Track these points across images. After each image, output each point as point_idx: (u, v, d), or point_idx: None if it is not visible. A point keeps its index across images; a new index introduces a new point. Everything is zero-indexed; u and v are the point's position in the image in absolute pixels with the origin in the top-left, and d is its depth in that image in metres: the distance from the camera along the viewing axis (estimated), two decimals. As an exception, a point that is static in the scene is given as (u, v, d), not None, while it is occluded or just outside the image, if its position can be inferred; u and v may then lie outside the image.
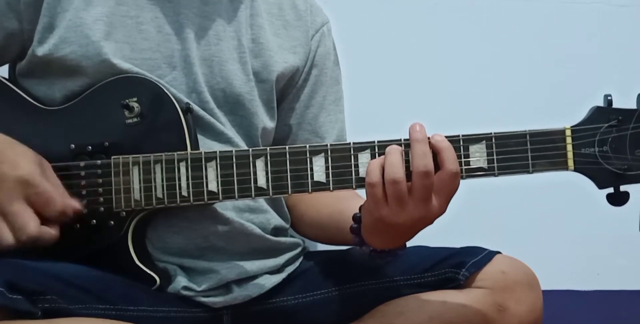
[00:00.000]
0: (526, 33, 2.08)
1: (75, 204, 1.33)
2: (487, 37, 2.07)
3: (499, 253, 1.51)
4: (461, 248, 1.52)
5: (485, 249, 1.51)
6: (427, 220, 1.26)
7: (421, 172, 1.22)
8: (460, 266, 1.48)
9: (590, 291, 2.12)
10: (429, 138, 1.25)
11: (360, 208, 1.36)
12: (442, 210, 1.26)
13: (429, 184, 1.23)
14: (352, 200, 1.46)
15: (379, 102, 2.01)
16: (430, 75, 2.05)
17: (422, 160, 1.23)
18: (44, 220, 1.29)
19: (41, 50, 1.43)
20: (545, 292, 1.49)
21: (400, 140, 1.28)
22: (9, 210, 1.26)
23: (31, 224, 1.27)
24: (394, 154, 1.25)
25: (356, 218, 1.36)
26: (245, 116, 1.52)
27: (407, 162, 1.25)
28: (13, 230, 1.27)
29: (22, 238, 1.27)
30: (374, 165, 1.25)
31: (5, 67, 1.55)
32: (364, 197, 1.29)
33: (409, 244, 1.40)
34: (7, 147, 1.31)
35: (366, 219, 1.31)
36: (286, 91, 1.61)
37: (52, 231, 1.30)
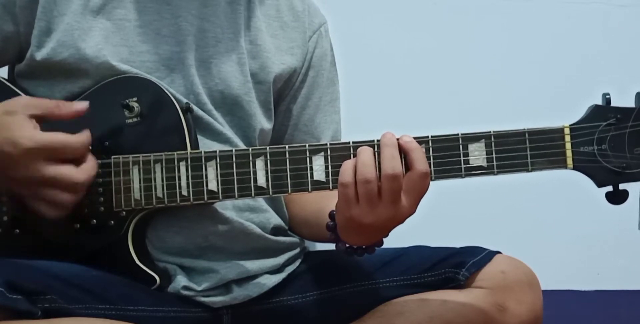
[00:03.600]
0: (526, 33, 2.08)
1: (86, 133, 1.32)
2: (487, 37, 2.08)
3: (499, 252, 1.51)
4: (461, 248, 1.52)
5: (485, 249, 1.51)
6: (397, 220, 1.26)
7: (389, 175, 1.23)
8: (460, 266, 1.48)
9: (590, 291, 2.12)
10: (397, 139, 1.26)
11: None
12: (412, 210, 1.26)
13: (397, 186, 1.23)
14: (334, 198, 1.46)
15: (378, 102, 2.01)
16: (429, 75, 2.05)
17: (390, 162, 1.23)
18: (75, 161, 1.30)
19: (40, 55, 1.43)
20: (545, 292, 1.49)
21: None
22: (45, 178, 1.27)
23: (73, 175, 1.28)
24: (366, 153, 1.25)
25: (332, 215, 1.36)
26: (243, 117, 1.52)
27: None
28: (65, 189, 1.28)
29: (78, 189, 1.29)
30: (348, 165, 1.25)
31: (5, 68, 1.56)
32: None
33: (409, 244, 1.40)
34: None
35: (338, 217, 1.31)
36: (283, 92, 1.62)
37: (90, 165, 1.32)
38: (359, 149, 1.26)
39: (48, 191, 1.29)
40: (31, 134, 1.27)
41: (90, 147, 1.38)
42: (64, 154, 1.29)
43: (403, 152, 1.25)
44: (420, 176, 1.24)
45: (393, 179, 1.23)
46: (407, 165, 1.24)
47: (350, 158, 1.29)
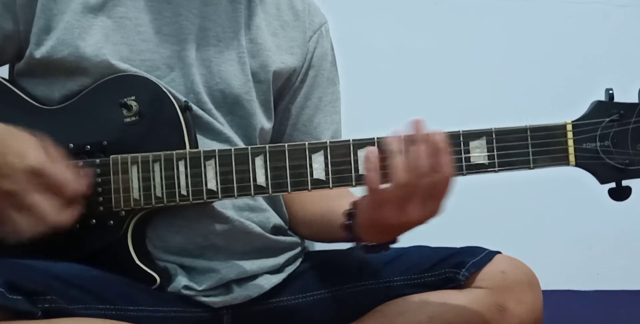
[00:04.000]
0: (526, 32, 2.09)
1: (86, 183, 1.32)
2: (487, 37, 2.08)
3: (499, 252, 1.51)
4: (461, 248, 1.52)
5: (485, 249, 1.51)
6: (423, 221, 1.26)
7: (423, 173, 1.22)
8: (460, 266, 1.48)
9: (590, 291, 2.12)
10: (427, 135, 1.25)
11: (353, 204, 1.36)
12: (439, 211, 1.26)
13: (429, 184, 1.23)
14: (343, 198, 1.45)
15: (378, 102, 2.01)
16: (430, 75, 2.06)
17: (424, 161, 1.23)
18: (62, 203, 1.29)
19: (39, 53, 1.43)
20: (545, 292, 1.49)
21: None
22: (27, 203, 1.26)
23: (51, 214, 1.27)
24: (395, 156, 1.24)
25: (348, 214, 1.36)
26: (243, 116, 1.52)
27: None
28: (34, 221, 1.27)
29: (44, 228, 1.27)
30: (374, 172, 1.24)
31: (5, 67, 1.55)
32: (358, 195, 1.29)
33: (409, 244, 1.40)
34: (9, 137, 1.29)
35: (363, 217, 1.30)
36: (283, 92, 1.61)
37: (71, 214, 1.30)
38: (388, 153, 1.25)
39: (17, 215, 1.27)
40: (42, 158, 1.27)
41: (89, 148, 1.39)
42: (57, 190, 1.28)
43: (432, 152, 1.24)
44: (448, 178, 1.24)
45: (424, 176, 1.22)
46: (434, 166, 1.24)
47: (350, 157, 1.29)
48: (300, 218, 1.59)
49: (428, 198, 1.23)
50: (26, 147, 1.27)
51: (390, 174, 1.24)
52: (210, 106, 1.48)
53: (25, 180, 1.25)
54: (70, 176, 1.29)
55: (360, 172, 1.30)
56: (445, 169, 1.23)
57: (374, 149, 1.26)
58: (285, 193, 1.37)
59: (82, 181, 1.31)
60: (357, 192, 1.33)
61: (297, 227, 1.61)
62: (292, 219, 1.61)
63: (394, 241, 1.35)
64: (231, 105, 1.51)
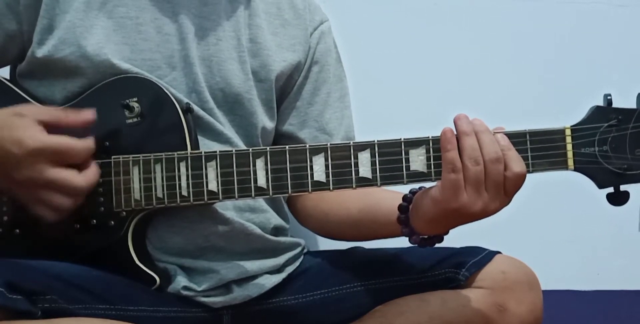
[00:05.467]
0: (526, 33, 2.08)
1: (90, 139, 1.33)
2: (487, 37, 2.07)
3: (499, 252, 1.51)
4: (461, 248, 1.52)
5: (485, 249, 1.51)
6: (495, 212, 1.27)
7: (493, 158, 1.23)
8: (460, 266, 1.48)
9: (590, 291, 2.12)
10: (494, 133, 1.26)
11: (405, 198, 1.36)
12: (508, 203, 1.27)
13: (500, 170, 1.23)
14: (379, 193, 1.46)
15: (377, 102, 2.01)
16: (429, 75, 2.05)
17: (492, 147, 1.23)
18: (77, 166, 1.31)
19: (41, 52, 1.43)
20: (545, 292, 1.48)
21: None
22: (47, 180, 1.27)
23: (74, 180, 1.29)
24: (472, 136, 1.25)
25: (403, 208, 1.36)
26: (244, 115, 1.52)
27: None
28: (64, 193, 1.29)
29: (77, 194, 1.30)
30: (455, 152, 1.25)
31: (7, 68, 1.56)
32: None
33: (409, 243, 1.40)
34: None
35: (432, 209, 1.28)
36: (286, 90, 1.61)
37: (92, 171, 1.32)
38: (459, 133, 1.25)
39: (48, 194, 1.29)
40: (37, 136, 1.27)
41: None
42: (67, 158, 1.29)
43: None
44: (518, 174, 1.25)
45: (497, 162, 1.23)
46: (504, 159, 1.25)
47: (350, 159, 1.29)
48: (336, 219, 1.56)
49: (500, 188, 1.24)
50: (20, 132, 1.27)
51: (463, 154, 1.24)
52: (212, 105, 1.48)
53: (33, 163, 1.27)
54: (71, 139, 1.30)
55: (360, 174, 1.30)
56: (513, 166, 1.24)
57: (449, 129, 1.26)
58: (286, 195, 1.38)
59: (84, 140, 1.32)
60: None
61: (330, 228, 1.59)
62: (320, 221, 1.60)
63: (446, 232, 1.36)
64: (232, 104, 1.51)
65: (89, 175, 1.31)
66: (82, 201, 1.32)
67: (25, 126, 1.28)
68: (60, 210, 1.30)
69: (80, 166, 1.31)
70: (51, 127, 1.30)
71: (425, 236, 1.36)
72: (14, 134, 1.27)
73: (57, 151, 1.28)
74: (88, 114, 1.33)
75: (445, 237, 1.37)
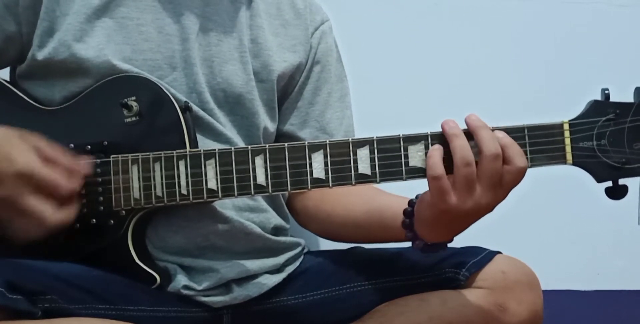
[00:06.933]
0: (526, 32, 2.09)
1: (79, 180, 1.32)
2: (487, 37, 2.08)
3: (499, 252, 1.51)
4: (461, 248, 1.52)
5: (485, 249, 1.51)
6: (490, 208, 1.26)
7: (492, 155, 1.22)
8: (460, 266, 1.48)
9: (590, 291, 2.12)
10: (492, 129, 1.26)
11: (410, 203, 1.36)
12: (504, 197, 1.26)
13: (498, 167, 1.22)
14: (384, 196, 1.47)
15: (377, 102, 2.01)
16: (429, 74, 2.05)
17: (492, 143, 1.23)
18: (57, 203, 1.29)
19: (41, 55, 1.44)
20: (545, 292, 1.48)
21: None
22: (22, 206, 1.26)
23: (48, 214, 1.27)
24: (461, 137, 1.24)
25: (407, 213, 1.36)
26: (245, 116, 1.52)
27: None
28: (34, 223, 1.27)
29: (45, 228, 1.28)
30: (436, 157, 1.24)
31: (6, 70, 1.56)
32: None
33: (409, 243, 1.39)
34: None
35: (427, 213, 1.29)
36: (287, 90, 1.62)
37: (71, 211, 1.31)
38: (449, 134, 1.25)
39: (20, 217, 1.28)
40: (31, 161, 1.26)
41: (90, 148, 1.39)
42: (51, 191, 1.28)
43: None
44: (518, 169, 1.24)
45: (495, 159, 1.22)
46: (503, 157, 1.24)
47: (350, 156, 1.29)
48: (340, 220, 1.56)
49: (496, 185, 1.23)
50: (15, 151, 1.27)
51: (453, 156, 1.23)
52: (212, 105, 1.48)
53: (16, 185, 1.25)
54: (62, 175, 1.29)
55: (359, 171, 1.30)
56: (516, 160, 1.23)
57: (438, 147, 1.26)
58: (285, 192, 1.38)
59: (75, 179, 1.31)
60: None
61: (333, 229, 1.60)
62: (323, 222, 1.60)
63: (450, 240, 1.35)
64: (233, 104, 1.51)
65: (65, 214, 1.29)
66: (56, 234, 1.31)
67: (23, 148, 1.28)
68: (23, 237, 1.29)
69: (63, 201, 1.30)
70: (46, 162, 1.29)
71: (429, 243, 1.35)
72: (9, 151, 1.26)
73: (44, 183, 1.27)
74: (83, 168, 1.34)
75: (446, 239, 1.37)
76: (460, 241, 1.47)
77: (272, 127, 1.58)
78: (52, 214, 1.27)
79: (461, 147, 1.23)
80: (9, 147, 1.27)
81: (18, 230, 1.29)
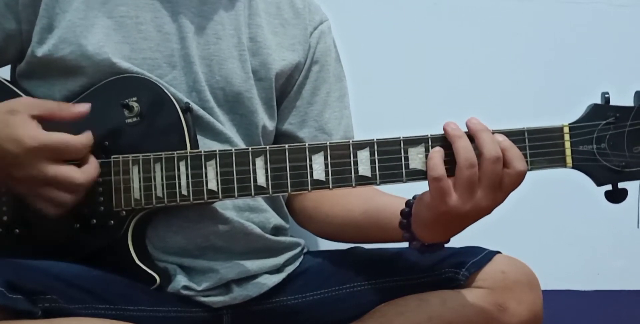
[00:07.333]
0: (526, 33, 2.09)
1: (87, 134, 1.34)
2: (487, 36, 2.08)
3: (499, 252, 1.51)
4: (461, 248, 1.52)
5: (485, 249, 1.51)
6: (489, 210, 1.26)
7: (493, 157, 1.22)
8: (460, 266, 1.48)
9: (590, 291, 2.12)
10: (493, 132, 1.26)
11: (407, 204, 1.36)
12: (503, 200, 1.26)
13: (498, 170, 1.23)
14: (383, 196, 1.47)
15: (377, 102, 2.01)
16: (429, 74, 2.05)
17: (493, 146, 1.23)
18: (76, 162, 1.32)
19: (41, 51, 1.44)
20: (545, 292, 1.48)
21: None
22: (47, 178, 1.28)
23: (74, 176, 1.30)
24: (464, 139, 1.24)
25: (405, 213, 1.36)
26: (244, 114, 1.52)
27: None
28: (66, 189, 1.30)
29: (79, 191, 1.31)
30: (437, 159, 1.24)
31: (7, 69, 1.56)
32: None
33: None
34: None
35: (426, 214, 1.29)
36: (286, 89, 1.61)
37: (91, 166, 1.33)
38: (451, 136, 1.25)
39: (49, 190, 1.30)
40: (34, 134, 1.28)
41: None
42: (66, 155, 1.30)
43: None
44: (518, 173, 1.24)
45: (496, 162, 1.22)
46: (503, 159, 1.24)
47: (350, 157, 1.29)
48: (338, 220, 1.56)
49: (496, 188, 1.23)
50: (16, 130, 1.28)
51: (456, 157, 1.23)
52: (212, 104, 1.48)
53: (33, 161, 1.27)
54: (69, 136, 1.31)
55: (360, 173, 1.30)
56: (516, 164, 1.23)
57: (439, 149, 1.26)
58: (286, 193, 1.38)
59: (81, 136, 1.33)
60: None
61: (331, 229, 1.60)
62: (321, 222, 1.60)
63: (447, 240, 1.35)
64: (232, 103, 1.51)
65: (89, 170, 1.32)
66: (83, 196, 1.33)
67: (21, 123, 1.28)
68: (61, 206, 1.31)
69: (79, 161, 1.32)
70: (45, 121, 1.30)
71: (427, 243, 1.35)
72: (10, 132, 1.27)
73: (56, 148, 1.28)
74: (82, 107, 1.34)
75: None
76: (460, 241, 1.47)
77: (271, 125, 1.58)
78: (77, 173, 1.30)
79: (464, 149, 1.23)
80: (9, 127, 1.28)
81: (53, 201, 1.31)
